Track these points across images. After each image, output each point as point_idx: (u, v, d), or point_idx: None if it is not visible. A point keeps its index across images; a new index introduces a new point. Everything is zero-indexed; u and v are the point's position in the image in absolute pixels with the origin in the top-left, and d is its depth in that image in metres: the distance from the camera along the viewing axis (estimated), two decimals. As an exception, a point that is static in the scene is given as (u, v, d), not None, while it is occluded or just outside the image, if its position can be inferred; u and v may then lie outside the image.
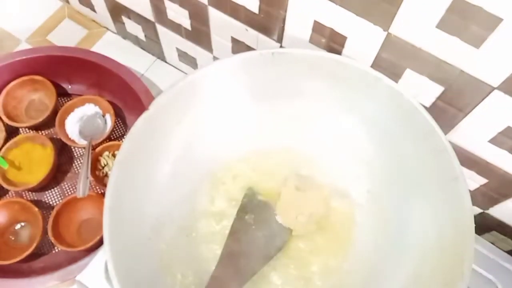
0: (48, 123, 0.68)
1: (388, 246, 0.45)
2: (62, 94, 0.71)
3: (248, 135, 0.50)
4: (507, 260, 0.51)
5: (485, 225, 0.57)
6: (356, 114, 0.47)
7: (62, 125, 0.67)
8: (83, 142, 0.66)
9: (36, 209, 0.61)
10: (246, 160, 0.50)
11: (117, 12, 0.71)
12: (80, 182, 0.59)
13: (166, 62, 0.76)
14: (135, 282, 0.40)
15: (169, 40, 0.68)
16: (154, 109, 0.43)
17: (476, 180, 0.52)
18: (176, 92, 0.44)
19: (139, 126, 0.43)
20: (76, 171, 0.67)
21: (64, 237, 0.61)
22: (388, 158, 0.47)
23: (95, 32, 0.79)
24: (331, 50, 0.48)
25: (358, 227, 0.47)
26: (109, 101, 0.69)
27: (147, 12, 0.65)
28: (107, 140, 0.67)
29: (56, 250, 0.62)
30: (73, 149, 0.69)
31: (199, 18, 0.58)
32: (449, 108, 0.44)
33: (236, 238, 0.46)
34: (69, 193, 0.66)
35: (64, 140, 0.66)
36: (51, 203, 0.66)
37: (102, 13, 0.75)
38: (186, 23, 0.61)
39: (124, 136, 0.70)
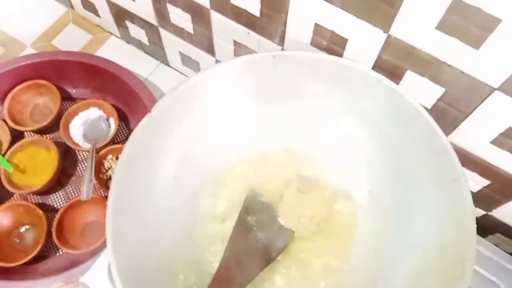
0: (52, 126, 0.68)
1: (389, 246, 0.45)
2: (67, 98, 0.72)
3: (249, 137, 0.50)
4: (510, 262, 0.51)
5: (488, 227, 0.57)
6: (357, 115, 0.47)
7: (67, 128, 0.68)
8: (87, 146, 0.67)
9: (41, 212, 0.61)
10: (248, 161, 0.50)
11: (121, 17, 0.72)
12: (84, 185, 0.60)
13: (169, 66, 0.77)
14: (138, 282, 0.41)
15: (172, 44, 0.69)
16: (156, 111, 0.44)
17: (478, 182, 0.52)
18: (178, 94, 0.45)
19: (142, 129, 0.44)
20: (80, 175, 0.68)
21: (68, 240, 0.61)
22: (389, 159, 0.47)
23: (99, 37, 0.80)
24: (332, 52, 0.48)
25: (360, 228, 0.48)
26: (113, 105, 0.69)
27: (150, 16, 0.65)
28: (111, 144, 0.67)
29: (60, 253, 0.63)
30: (77, 153, 0.69)
31: (202, 22, 0.58)
32: (450, 110, 0.44)
33: (238, 240, 0.46)
34: (73, 196, 0.67)
35: (68, 143, 0.67)
36: (55, 206, 0.66)
37: (106, 18, 0.75)
38: (188, 27, 0.61)
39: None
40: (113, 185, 0.41)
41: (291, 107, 0.49)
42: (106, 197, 0.64)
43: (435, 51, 0.39)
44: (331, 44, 0.47)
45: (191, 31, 0.62)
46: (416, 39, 0.40)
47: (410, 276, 0.42)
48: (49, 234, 0.60)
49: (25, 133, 0.69)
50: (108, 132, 0.68)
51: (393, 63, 0.44)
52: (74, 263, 0.57)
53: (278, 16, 0.48)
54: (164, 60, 0.76)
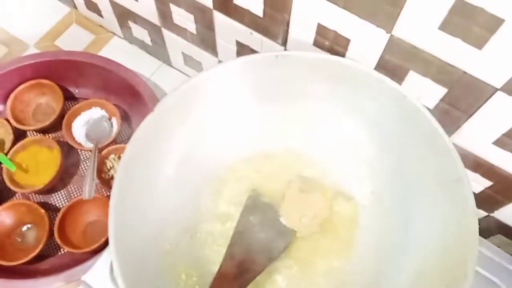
0: (55, 126, 0.69)
1: (391, 247, 0.45)
2: (69, 97, 0.72)
3: (251, 137, 0.50)
4: (512, 263, 0.51)
5: (490, 229, 0.57)
6: (360, 116, 0.48)
7: (69, 128, 0.68)
8: (89, 145, 0.67)
9: (43, 211, 0.61)
10: (250, 161, 0.50)
11: (124, 17, 0.72)
12: (86, 184, 0.60)
13: (171, 66, 0.77)
14: (140, 281, 0.41)
15: (175, 44, 0.69)
16: (159, 111, 0.44)
17: (480, 183, 0.51)
18: (180, 94, 0.45)
19: (144, 128, 0.44)
20: (82, 174, 0.68)
21: (70, 239, 0.61)
22: (391, 160, 0.47)
23: (102, 37, 0.80)
24: (334, 52, 0.48)
25: (362, 228, 0.48)
26: (115, 105, 0.69)
27: (153, 17, 0.65)
28: (113, 143, 0.67)
29: (62, 252, 0.63)
30: (80, 152, 0.69)
31: (204, 22, 0.58)
32: (452, 110, 0.44)
33: (240, 239, 0.46)
34: (75, 195, 0.67)
35: (70, 143, 0.67)
36: (57, 205, 0.66)
37: (109, 18, 0.76)
38: (191, 27, 0.61)
39: (130, 139, 0.70)
40: (115, 184, 0.42)
41: (293, 107, 0.49)
42: (108, 196, 0.64)
43: (437, 52, 0.39)
44: (333, 44, 0.47)
45: (194, 32, 0.62)
46: (419, 40, 0.40)
47: (411, 276, 0.42)
48: (51, 233, 0.60)
49: (28, 132, 0.70)
50: (110, 131, 0.68)
51: (395, 64, 0.44)
52: (75, 262, 0.57)
53: (281, 16, 0.48)
54: (166, 61, 0.76)
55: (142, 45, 0.77)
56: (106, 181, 0.65)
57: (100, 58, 0.70)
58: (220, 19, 0.55)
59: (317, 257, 0.47)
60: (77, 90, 0.73)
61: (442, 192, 0.42)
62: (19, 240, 0.62)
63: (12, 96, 0.69)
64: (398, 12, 0.38)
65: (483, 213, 0.56)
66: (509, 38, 0.34)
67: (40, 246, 0.59)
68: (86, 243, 0.60)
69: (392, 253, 0.45)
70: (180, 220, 0.47)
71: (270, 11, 0.49)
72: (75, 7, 0.81)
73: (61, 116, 0.68)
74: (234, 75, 0.47)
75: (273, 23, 0.50)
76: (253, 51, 0.57)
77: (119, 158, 0.66)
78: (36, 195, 0.67)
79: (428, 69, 0.42)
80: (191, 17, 0.59)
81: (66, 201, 0.66)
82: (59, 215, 0.61)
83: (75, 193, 0.67)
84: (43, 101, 0.71)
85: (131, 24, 0.72)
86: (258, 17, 0.50)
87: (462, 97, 0.42)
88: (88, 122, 0.69)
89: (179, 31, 0.65)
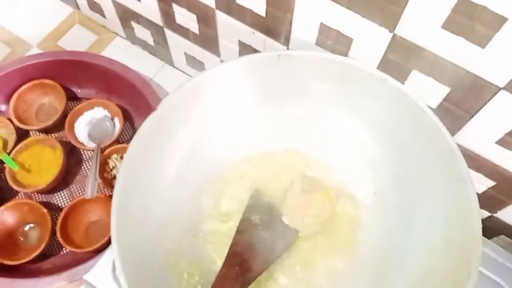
0: (57, 126, 0.69)
1: (394, 247, 0.45)
2: (72, 97, 0.72)
3: (254, 136, 0.50)
4: (515, 264, 0.51)
5: (493, 229, 0.57)
6: (362, 115, 0.47)
7: (72, 128, 0.68)
8: (92, 145, 0.67)
9: (45, 210, 0.61)
10: (253, 161, 0.50)
11: (127, 17, 0.72)
12: (89, 184, 0.60)
13: (174, 66, 0.77)
14: (142, 280, 0.41)
15: (177, 44, 0.69)
16: (161, 110, 0.44)
17: (484, 183, 0.51)
18: (183, 93, 0.45)
19: (147, 127, 0.44)
20: (85, 174, 0.68)
21: (72, 239, 0.61)
22: (394, 160, 0.47)
23: (105, 37, 0.80)
24: (337, 52, 0.48)
25: (364, 228, 0.47)
26: (118, 105, 0.69)
27: (156, 17, 0.66)
28: (116, 143, 0.67)
29: (64, 251, 0.63)
30: (82, 152, 0.70)
31: (207, 22, 0.58)
32: (455, 109, 0.44)
33: (242, 239, 0.46)
34: (78, 195, 0.67)
35: (73, 142, 0.67)
36: (59, 204, 0.66)
37: (112, 18, 0.76)
38: (194, 27, 0.62)
39: (132, 139, 0.70)
40: (118, 183, 0.42)
41: (295, 106, 0.49)
42: (110, 196, 0.64)
43: (440, 51, 0.39)
44: (336, 44, 0.47)
45: (196, 32, 0.62)
46: (422, 39, 0.40)
47: (414, 277, 0.42)
48: (53, 233, 0.61)
49: (31, 132, 0.70)
50: (113, 131, 0.68)
51: (398, 63, 0.44)
52: (77, 262, 0.57)
53: (283, 16, 0.48)
54: (169, 61, 0.77)
55: (144, 45, 0.77)
56: (108, 181, 0.65)
57: (102, 58, 0.70)
58: (222, 18, 0.55)
59: (319, 257, 0.47)
60: (79, 90, 0.73)
61: (445, 192, 0.42)
62: (22, 239, 0.62)
63: (15, 96, 0.69)
64: (401, 11, 0.38)
65: (486, 214, 0.55)
66: (513, 36, 0.34)
67: (43, 246, 0.59)
68: (88, 243, 0.60)
69: (395, 253, 0.45)
70: (182, 219, 0.47)
71: (273, 10, 0.49)
72: (78, 7, 0.81)
73: (64, 116, 0.68)
74: (236, 75, 0.47)
75: (276, 22, 0.50)
76: (256, 51, 0.57)
77: (121, 158, 0.67)
78: (39, 194, 0.67)
79: (431, 68, 0.42)
80: (194, 17, 0.59)
81: (68, 200, 0.66)
82: (62, 214, 0.61)
83: (77, 192, 0.67)
84: (46, 101, 0.71)
85: (133, 24, 0.73)
86: (261, 16, 0.50)
87: (465, 96, 0.42)
88: (90, 122, 0.69)
89: (182, 31, 0.65)
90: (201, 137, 0.48)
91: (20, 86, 0.69)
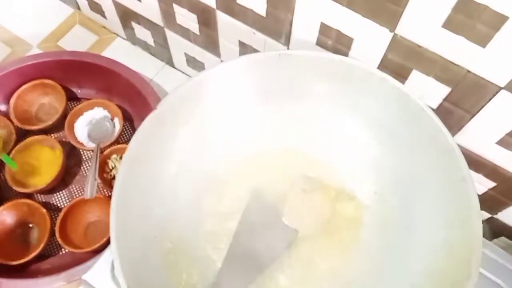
0: (57, 126, 0.69)
1: (394, 247, 0.45)
2: (72, 98, 0.72)
3: (254, 136, 0.50)
4: (516, 265, 0.50)
5: (493, 230, 0.57)
6: (363, 115, 0.47)
7: (71, 128, 0.68)
8: (91, 145, 0.67)
9: (44, 210, 0.61)
10: (253, 161, 0.50)
11: (127, 18, 0.72)
12: (88, 184, 0.60)
13: (174, 67, 0.77)
14: (141, 280, 0.40)
15: (177, 45, 0.69)
16: (161, 109, 0.44)
17: (484, 184, 0.51)
18: (183, 92, 0.45)
19: (147, 126, 0.44)
20: (84, 174, 0.68)
21: (71, 239, 0.61)
22: (394, 159, 0.47)
23: (105, 38, 0.80)
24: (337, 52, 0.48)
25: (365, 228, 0.47)
26: (117, 105, 0.69)
27: (156, 17, 0.66)
28: (115, 144, 0.67)
29: (63, 252, 0.63)
30: (82, 152, 0.70)
31: (207, 22, 0.58)
32: (455, 109, 0.44)
33: (242, 239, 0.46)
34: (77, 195, 0.67)
35: (73, 143, 0.67)
36: (59, 205, 0.66)
37: (112, 19, 0.76)
38: (194, 27, 0.62)
39: (132, 140, 0.70)
40: (117, 182, 0.41)
41: (296, 106, 0.49)
42: (109, 196, 0.63)
43: (441, 50, 0.39)
44: (336, 43, 0.47)
45: (197, 32, 0.62)
46: (422, 38, 0.40)
47: (415, 277, 0.42)
48: (52, 233, 0.60)
49: (30, 132, 0.70)
50: (112, 132, 0.68)
51: (398, 63, 0.44)
52: (76, 262, 0.57)
53: (284, 16, 0.48)
54: (169, 62, 0.77)
55: (145, 46, 0.77)
56: (108, 181, 0.65)
57: (103, 58, 0.70)
58: (223, 19, 0.55)
59: (319, 257, 0.47)
60: (79, 90, 0.73)
61: (445, 192, 0.42)
62: (21, 239, 0.62)
63: (15, 96, 0.69)
64: (402, 10, 0.38)
65: (486, 215, 0.55)
66: (513, 35, 0.34)
67: (42, 246, 0.59)
68: (87, 243, 0.60)
69: (395, 253, 0.45)
70: (182, 219, 0.47)
71: (273, 10, 0.49)
72: (78, 8, 0.81)
73: (64, 116, 0.68)
74: (236, 74, 0.46)
75: (276, 22, 0.50)
76: (256, 51, 0.57)
77: (121, 158, 0.66)
78: (38, 194, 0.66)
79: (432, 68, 0.42)
80: (194, 17, 0.59)
81: (67, 201, 0.66)
82: (61, 214, 0.61)
83: (76, 193, 0.67)
84: (46, 101, 0.71)
85: (134, 25, 0.73)
86: (261, 16, 0.50)
87: (465, 96, 0.42)
88: (90, 122, 0.69)
89: (182, 31, 0.65)
90: (201, 137, 0.48)
91: (20, 86, 0.69)
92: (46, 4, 0.83)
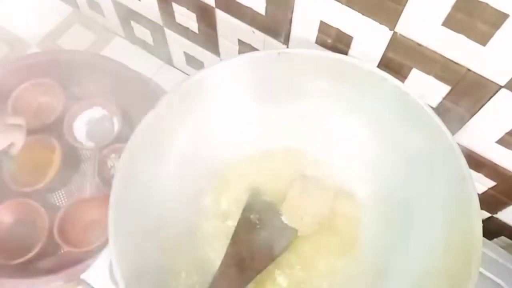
0: (56, 125, 0.68)
1: (394, 246, 0.45)
2: (71, 97, 0.72)
3: (253, 135, 0.50)
4: (516, 265, 0.50)
5: (493, 230, 0.57)
6: (362, 114, 0.47)
7: (70, 127, 0.68)
8: (90, 145, 0.67)
9: (43, 210, 0.61)
10: (252, 160, 0.50)
11: (126, 17, 0.72)
12: (87, 183, 0.60)
13: (173, 66, 0.77)
14: (139, 280, 0.40)
15: (177, 44, 0.69)
16: (159, 108, 0.44)
17: (484, 183, 0.51)
18: (182, 91, 0.45)
19: (145, 125, 0.43)
20: (83, 174, 0.68)
21: (70, 238, 0.61)
22: (394, 159, 0.46)
23: (104, 37, 0.80)
24: (337, 50, 0.48)
25: (364, 227, 0.47)
26: (117, 104, 0.69)
27: (155, 16, 0.65)
28: (114, 143, 0.67)
29: (62, 251, 0.62)
30: (81, 152, 0.69)
31: (207, 21, 0.58)
32: (455, 108, 0.44)
33: (241, 238, 0.46)
34: (76, 194, 0.66)
35: (71, 142, 0.67)
36: (57, 204, 0.66)
37: (112, 18, 0.76)
38: (193, 26, 0.61)
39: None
40: (115, 181, 0.41)
41: (295, 105, 0.49)
42: (108, 196, 0.63)
43: (441, 48, 0.39)
44: (336, 42, 0.47)
45: (196, 31, 0.62)
46: (422, 36, 0.39)
47: (415, 276, 0.42)
48: (51, 232, 0.60)
49: (29, 131, 0.69)
50: (111, 131, 0.68)
51: (398, 61, 0.44)
52: (75, 262, 0.56)
53: (283, 14, 0.48)
54: (168, 61, 0.76)
55: (144, 45, 0.77)
56: (106, 181, 0.65)
57: (102, 58, 0.70)
58: (222, 17, 0.55)
59: (318, 256, 0.46)
60: (78, 90, 0.73)
61: (445, 192, 0.42)
62: (19, 239, 0.62)
63: (13, 95, 0.68)
64: (401, 8, 0.38)
65: (486, 214, 0.55)
66: (514, 34, 0.34)
67: (40, 245, 0.59)
68: (86, 242, 0.60)
69: (395, 253, 0.45)
70: (181, 218, 0.47)
71: (273, 8, 0.48)
72: (77, 7, 0.81)
73: (63, 116, 0.68)
74: (236, 73, 0.46)
75: (276, 21, 0.50)
76: (255, 50, 0.57)
77: (120, 157, 0.66)
78: (37, 194, 0.66)
79: (431, 67, 0.42)
80: (193, 16, 0.59)
81: (66, 200, 0.66)
82: (60, 214, 0.61)
83: (75, 192, 0.67)
84: (44, 100, 0.71)
85: (133, 24, 0.72)
86: (261, 15, 0.50)
87: (465, 95, 0.42)
88: (89, 122, 0.69)
89: (181, 30, 0.64)
90: (200, 136, 0.48)
91: (18, 85, 0.69)
92: (45, 3, 0.82)
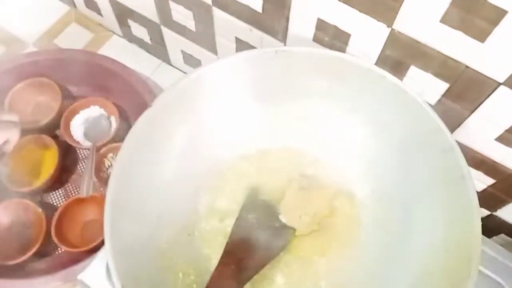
0: (53, 125, 0.68)
1: (394, 246, 0.44)
2: (68, 96, 0.72)
3: (251, 134, 0.50)
4: (516, 263, 0.50)
5: (492, 228, 0.56)
6: (361, 112, 0.47)
7: (67, 127, 0.68)
8: (88, 144, 0.66)
9: (40, 210, 0.60)
10: (249, 159, 0.50)
11: (123, 15, 0.71)
12: (84, 182, 0.59)
13: (171, 65, 0.77)
14: (136, 280, 0.40)
15: (174, 42, 0.69)
16: (156, 106, 0.43)
17: (483, 181, 0.51)
18: (179, 89, 0.44)
19: (142, 124, 0.43)
20: (81, 173, 0.67)
21: (67, 238, 0.60)
22: (393, 157, 0.46)
23: (102, 36, 0.80)
24: (335, 48, 0.47)
25: (363, 227, 0.47)
26: (114, 104, 0.69)
27: (152, 14, 0.65)
28: (112, 142, 0.66)
29: (59, 251, 0.62)
30: (78, 151, 0.69)
31: (204, 19, 0.58)
32: (454, 106, 0.44)
33: (239, 237, 0.45)
34: (73, 194, 0.66)
35: (69, 141, 0.66)
36: (55, 204, 0.65)
37: (109, 16, 0.75)
38: (190, 24, 0.61)
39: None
40: (111, 180, 0.41)
41: (293, 104, 0.49)
42: (105, 196, 0.63)
43: (439, 45, 0.39)
44: (334, 39, 0.47)
45: (193, 29, 0.62)
46: (420, 33, 0.39)
47: (414, 276, 0.42)
48: (48, 232, 0.60)
49: (26, 130, 0.69)
50: (109, 130, 0.68)
51: (396, 59, 0.43)
52: (73, 262, 0.56)
53: (280, 12, 0.48)
54: (166, 59, 0.76)
55: (141, 43, 0.76)
56: (104, 180, 0.64)
57: (99, 56, 0.70)
58: (219, 15, 0.55)
59: (317, 256, 0.46)
60: (76, 89, 0.73)
61: (445, 190, 0.42)
62: (16, 239, 0.61)
63: (10, 94, 0.68)
64: (399, 5, 0.38)
65: (485, 212, 0.55)
66: (512, 30, 0.34)
67: (37, 245, 0.59)
68: (83, 242, 0.60)
69: (394, 252, 0.44)
70: (178, 217, 0.46)
71: (270, 6, 0.48)
72: (74, 5, 0.81)
73: (60, 115, 0.67)
74: (233, 71, 0.46)
75: (273, 18, 0.49)
76: (253, 48, 0.57)
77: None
78: (34, 193, 0.66)
79: (430, 64, 0.41)
80: (190, 14, 0.59)
81: (63, 200, 0.66)
82: (57, 214, 0.60)
83: (73, 192, 0.66)
84: (41, 100, 0.71)
85: (130, 22, 0.72)
86: (258, 12, 0.50)
87: (464, 92, 0.42)
88: (86, 121, 0.68)
89: (179, 28, 0.64)
90: (197, 134, 0.48)
91: (15, 84, 0.68)
92: (41, 2, 0.82)
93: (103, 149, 0.65)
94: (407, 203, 0.45)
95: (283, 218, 0.47)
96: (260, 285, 0.44)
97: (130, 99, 0.69)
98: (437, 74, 0.42)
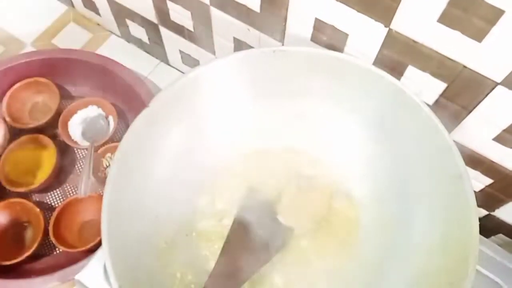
0: (51, 124, 0.68)
1: (392, 245, 0.44)
2: (66, 96, 0.72)
3: (249, 134, 0.50)
4: (514, 263, 0.50)
5: (490, 228, 0.56)
6: (358, 112, 0.47)
7: (65, 127, 0.68)
8: (85, 144, 0.66)
9: (38, 210, 0.60)
10: (248, 159, 0.50)
11: (122, 15, 0.71)
12: (82, 182, 0.59)
13: (169, 65, 0.76)
14: (133, 280, 0.40)
15: (172, 42, 0.69)
16: (154, 106, 0.43)
17: (481, 181, 0.51)
18: (176, 89, 0.44)
19: (139, 123, 0.43)
20: (79, 173, 0.67)
21: (66, 238, 0.60)
22: (391, 157, 0.46)
23: (100, 35, 0.79)
24: (332, 48, 0.47)
25: (362, 227, 0.47)
26: (112, 104, 0.69)
27: (150, 14, 0.65)
28: (110, 142, 0.66)
29: (57, 251, 0.62)
30: (76, 151, 0.69)
31: (202, 19, 0.58)
32: (452, 105, 0.44)
33: (237, 237, 0.45)
34: (71, 194, 0.66)
35: (66, 141, 0.66)
36: (53, 204, 0.65)
37: (107, 16, 0.75)
38: (189, 24, 0.61)
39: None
40: (109, 180, 0.41)
41: (291, 104, 0.49)
42: (104, 195, 0.63)
43: (436, 45, 0.39)
44: (331, 39, 0.47)
45: (191, 29, 0.62)
46: (418, 33, 0.39)
47: (413, 276, 0.42)
48: (46, 232, 0.60)
49: (24, 131, 0.69)
50: (107, 130, 0.67)
51: (394, 59, 0.43)
52: (71, 262, 0.56)
53: (278, 12, 0.48)
54: (164, 59, 0.76)
55: (139, 43, 0.76)
56: (102, 180, 0.64)
57: (97, 56, 0.69)
58: (217, 15, 0.55)
59: (315, 256, 0.46)
60: (73, 89, 0.73)
61: (442, 190, 0.42)
62: (14, 239, 0.61)
63: (8, 94, 0.68)
64: (397, 5, 0.38)
65: (483, 212, 0.55)
66: (510, 30, 0.34)
67: (35, 245, 0.59)
68: (81, 242, 0.60)
69: (392, 252, 0.44)
70: (176, 218, 0.46)
71: (267, 6, 0.48)
72: (72, 5, 0.81)
73: (58, 115, 0.67)
74: (231, 71, 0.46)
75: (271, 18, 0.49)
76: (251, 48, 0.57)
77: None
78: (32, 194, 0.66)
79: (427, 64, 0.41)
80: (188, 14, 0.59)
81: (62, 200, 0.66)
82: (54, 214, 0.60)
83: (71, 192, 0.66)
84: (39, 100, 0.71)
85: (128, 22, 0.72)
86: (256, 12, 0.50)
87: (461, 92, 0.42)
88: (84, 121, 0.68)
89: (177, 28, 0.64)
90: (195, 135, 0.48)
91: (13, 84, 0.68)
92: (39, 1, 0.82)
93: (101, 149, 0.65)
94: (405, 203, 0.45)
95: (281, 218, 0.47)
96: (258, 285, 0.44)
97: (128, 99, 0.69)
98: (434, 74, 0.42)
